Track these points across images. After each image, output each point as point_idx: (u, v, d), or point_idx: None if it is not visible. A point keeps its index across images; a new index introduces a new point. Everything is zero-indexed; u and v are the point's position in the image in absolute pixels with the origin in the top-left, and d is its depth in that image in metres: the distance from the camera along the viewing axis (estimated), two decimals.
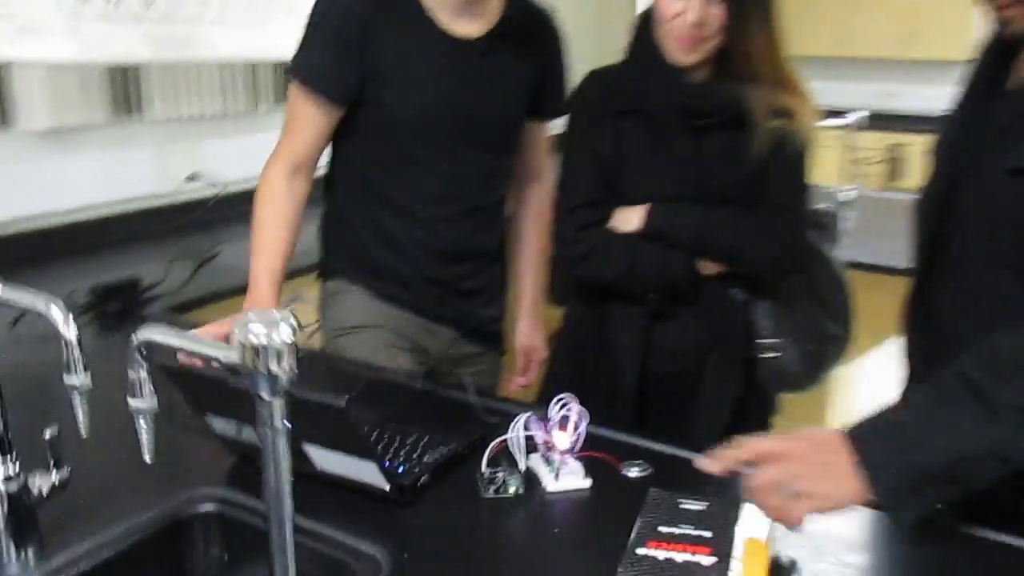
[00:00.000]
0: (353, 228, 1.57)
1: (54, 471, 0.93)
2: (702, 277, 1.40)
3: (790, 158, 1.40)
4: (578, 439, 1.06)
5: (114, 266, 2.01)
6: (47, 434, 0.90)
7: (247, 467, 1.08)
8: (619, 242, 1.41)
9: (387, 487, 0.97)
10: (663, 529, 0.94)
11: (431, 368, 1.60)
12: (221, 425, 1.04)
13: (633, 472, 1.08)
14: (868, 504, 0.90)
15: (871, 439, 0.90)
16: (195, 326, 1.67)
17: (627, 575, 0.86)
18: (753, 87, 1.36)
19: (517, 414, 1.07)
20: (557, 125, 1.57)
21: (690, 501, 0.99)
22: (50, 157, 2.13)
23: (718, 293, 1.42)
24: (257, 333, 0.60)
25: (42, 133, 2.08)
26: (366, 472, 0.97)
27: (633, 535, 0.93)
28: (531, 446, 1.06)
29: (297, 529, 0.96)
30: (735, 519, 0.95)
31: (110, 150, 2.26)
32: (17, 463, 0.89)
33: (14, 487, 0.89)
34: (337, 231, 1.61)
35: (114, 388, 0.99)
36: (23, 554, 0.90)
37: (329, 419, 0.92)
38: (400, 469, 1.03)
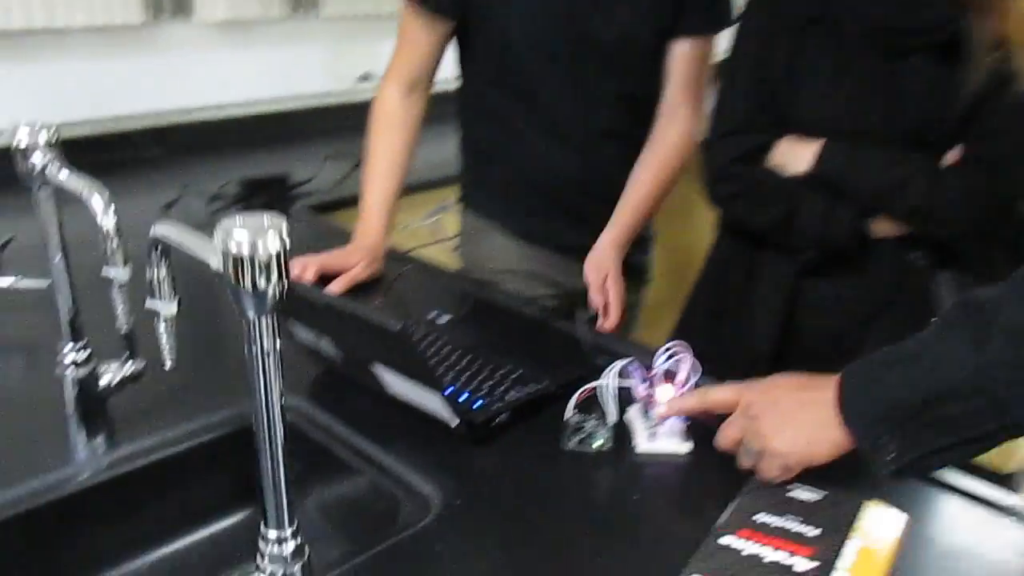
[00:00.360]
0: (482, 158, 1.48)
1: (128, 362, 0.91)
2: (873, 238, 1.19)
3: (1012, 101, 1.13)
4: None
5: (276, 161, 2.03)
6: (121, 325, 0.88)
7: (330, 379, 1.03)
8: (777, 185, 1.20)
9: (454, 422, 0.88)
10: (760, 518, 0.79)
11: (567, 305, 1.49)
12: (302, 333, 0.99)
13: None
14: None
15: (856, 375, 0.79)
16: (332, 227, 1.66)
17: (699, 566, 0.73)
18: (973, 7, 1.10)
19: (632, 356, 0.95)
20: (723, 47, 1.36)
21: (803, 488, 0.83)
22: (224, 49, 2.16)
23: (892, 256, 1.20)
24: (240, 241, 0.51)
25: (219, 24, 2.11)
26: (435, 404, 0.88)
27: (722, 519, 0.79)
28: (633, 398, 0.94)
29: (355, 452, 0.91)
30: (854, 517, 0.79)
31: (284, 45, 2.27)
32: (88, 350, 0.88)
33: (83, 373, 0.88)
34: (469, 160, 1.54)
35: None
36: (92, 441, 0.90)
37: (390, 343, 0.83)
38: (477, 404, 0.94)
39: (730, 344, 1.27)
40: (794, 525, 0.78)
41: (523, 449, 0.91)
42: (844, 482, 0.82)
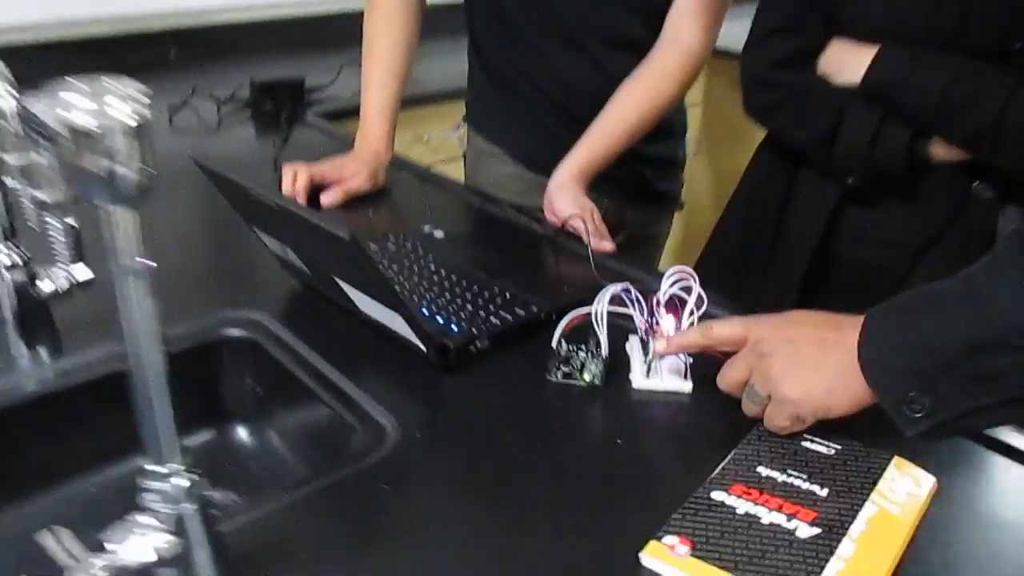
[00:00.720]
0: (490, 70, 1.35)
1: (72, 267, 0.83)
2: (930, 163, 1.03)
3: None
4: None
5: (296, 67, 1.91)
6: (65, 226, 0.80)
7: (303, 295, 0.94)
8: (823, 96, 1.05)
9: (422, 346, 0.79)
10: (762, 470, 0.69)
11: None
12: (269, 241, 0.90)
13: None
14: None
15: (885, 315, 0.66)
16: (347, 136, 1.55)
17: (680, 525, 0.63)
18: None
19: (630, 282, 0.83)
20: None
21: (816, 440, 0.72)
22: None
23: (951, 185, 1.04)
24: (80, 109, 0.41)
25: None
26: (403, 326, 0.78)
27: (717, 470, 0.69)
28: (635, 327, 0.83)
29: (316, 375, 0.82)
30: (872, 477, 0.67)
31: None
32: (23, 252, 0.80)
33: (20, 277, 0.80)
34: (475, 72, 1.40)
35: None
36: (35, 350, 0.83)
37: (342, 253, 0.73)
38: (454, 328, 0.84)
39: (759, 274, 1.14)
40: (800, 482, 0.67)
41: (503, 380, 0.81)
42: (864, 435, 0.71)
